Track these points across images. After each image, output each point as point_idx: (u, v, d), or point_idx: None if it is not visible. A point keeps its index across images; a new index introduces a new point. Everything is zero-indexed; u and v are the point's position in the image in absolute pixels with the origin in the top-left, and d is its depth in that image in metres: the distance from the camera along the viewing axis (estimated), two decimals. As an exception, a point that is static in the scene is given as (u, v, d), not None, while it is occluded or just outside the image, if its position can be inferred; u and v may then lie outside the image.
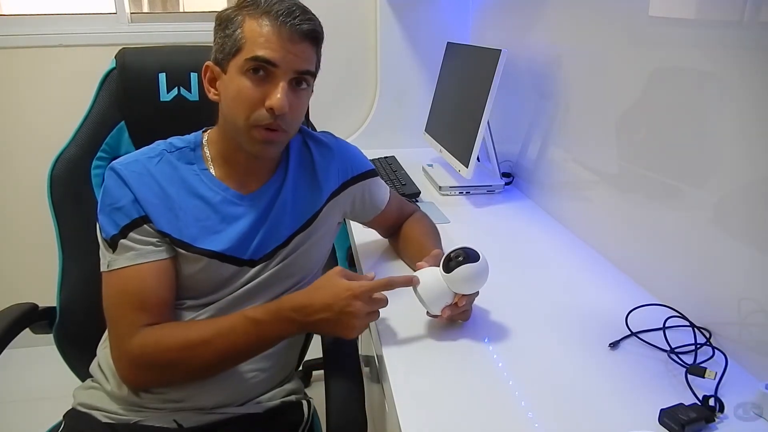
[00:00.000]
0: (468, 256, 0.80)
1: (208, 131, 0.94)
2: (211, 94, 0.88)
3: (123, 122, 1.11)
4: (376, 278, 0.81)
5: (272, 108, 0.80)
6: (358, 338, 1.01)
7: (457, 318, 0.86)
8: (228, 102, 0.84)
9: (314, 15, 0.84)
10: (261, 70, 0.80)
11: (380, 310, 0.81)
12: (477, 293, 0.85)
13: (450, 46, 1.74)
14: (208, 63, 0.87)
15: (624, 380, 0.75)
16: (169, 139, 0.92)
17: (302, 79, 0.84)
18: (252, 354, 0.85)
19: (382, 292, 0.80)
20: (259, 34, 0.80)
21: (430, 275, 0.82)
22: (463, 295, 0.82)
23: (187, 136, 0.93)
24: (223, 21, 0.84)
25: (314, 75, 0.87)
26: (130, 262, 0.83)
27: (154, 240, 0.84)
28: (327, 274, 0.81)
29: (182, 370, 0.82)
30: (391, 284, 0.80)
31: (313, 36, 0.83)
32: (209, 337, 0.81)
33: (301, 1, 0.84)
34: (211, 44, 0.87)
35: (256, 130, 0.83)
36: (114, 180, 0.85)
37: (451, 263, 0.80)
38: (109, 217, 0.84)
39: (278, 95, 0.80)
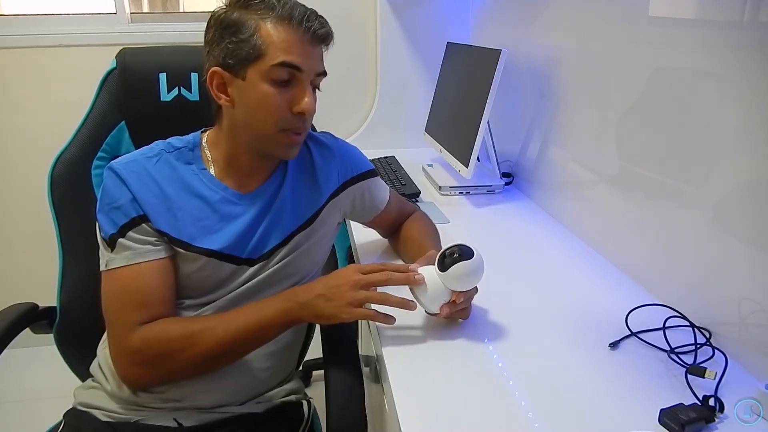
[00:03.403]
0: (463, 253, 0.80)
1: (207, 132, 0.94)
2: (223, 101, 0.84)
3: (123, 122, 1.11)
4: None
5: (303, 112, 0.82)
6: (358, 338, 1.01)
7: (456, 316, 0.86)
8: (249, 109, 0.83)
9: None
10: (288, 75, 0.81)
11: (379, 309, 0.81)
12: (476, 290, 0.85)
13: (450, 46, 1.74)
14: (216, 69, 0.82)
15: (624, 380, 0.75)
16: (168, 140, 0.92)
17: (318, 81, 0.86)
18: (254, 342, 0.84)
19: (387, 295, 0.81)
20: (282, 40, 0.80)
21: (426, 274, 0.82)
22: (461, 292, 0.82)
23: (185, 137, 0.93)
24: (231, 25, 0.81)
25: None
26: (128, 261, 0.83)
27: (153, 239, 0.84)
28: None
29: (184, 361, 0.81)
30: (385, 267, 0.83)
31: (328, 39, 0.85)
32: (212, 325, 0.82)
33: (302, 1, 0.85)
34: None
35: (284, 135, 0.84)
36: (112, 180, 0.85)
37: (446, 261, 0.80)
38: (107, 216, 0.84)
39: (306, 99, 0.82)
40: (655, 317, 0.87)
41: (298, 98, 0.82)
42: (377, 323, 0.84)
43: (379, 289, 0.82)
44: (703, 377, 0.73)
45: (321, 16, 0.84)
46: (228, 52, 0.81)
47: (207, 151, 0.92)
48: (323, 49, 0.86)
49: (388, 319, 0.81)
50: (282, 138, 0.85)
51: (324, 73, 0.87)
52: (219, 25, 0.82)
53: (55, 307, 1.10)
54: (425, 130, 1.82)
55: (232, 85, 0.83)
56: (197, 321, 0.85)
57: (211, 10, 0.85)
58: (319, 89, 0.87)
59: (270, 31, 0.80)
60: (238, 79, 0.82)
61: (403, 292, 0.83)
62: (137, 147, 1.02)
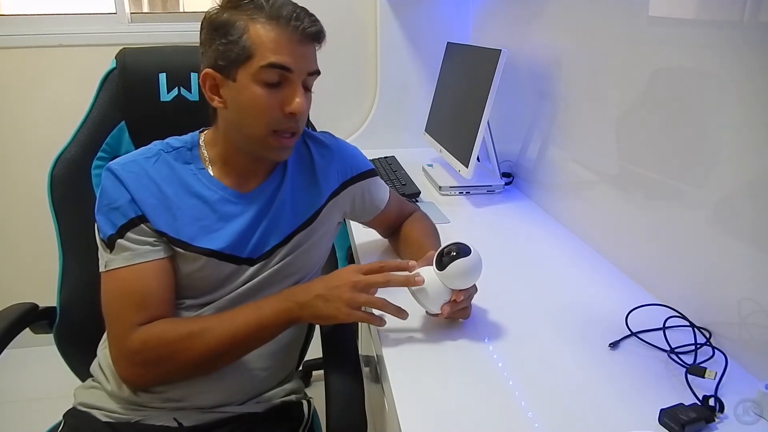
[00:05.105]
0: (460, 250, 0.80)
1: (205, 131, 0.94)
2: (215, 102, 0.85)
3: (123, 122, 1.11)
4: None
5: (294, 113, 0.81)
6: (358, 338, 1.01)
7: (457, 316, 0.86)
8: (240, 111, 0.83)
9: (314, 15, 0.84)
10: (277, 76, 0.80)
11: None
12: (476, 290, 0.85)
13: (450, 46, 1.74)
14: (208, 71, 0.83)
15: (624, 380, 0.75)
16: (166, 140, 0.92)
17: (310, 81, 0.85)
18: (253, 342, 0.84)
19: (386, 302, 0.81)
20: (271, 40, 0.79)
21: (425, 275, 0.82)
22: (461, 290, 0.82)
23: (183, 137, 0.93)
24: (221, 26, 0.80)
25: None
26: (127, 262, 0.83)
27: (152, 240, 0.84)
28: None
29: (184, 361, 0.81)
30: (384, 267, 0.82)
31: (320, 37, 0.84)
32: (211, 325, 0.82)
33: (303, 2, 0.84)
34: None
35: (274, 138, 0.83)
36: (111, 180, 0.85)
37: (443, 259, 0.80)
38: (106, 217, 0.84)
39: (297, 99, 0.81)
40: (655, 317, 0.87)
41: (289, 99, 0.81)
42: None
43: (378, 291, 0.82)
44: (703, 377, 0.73)
45: (311, 14, 0.83)
46: (219, 54, 0.81)
47: (205, 151, 0.92)
48: (316, 48, 0.85)
49: (381, 321, 0.82)
50: (273, 140, 0.84)
51: (317, 72, 0.86)
52: (210, 26, 0.82)
53: (55, 307, 1.10)
54: (425, 130, 1.82)
55: (224, 87, 0.83)
56: (197, 321, 0.85)
57: (211, 10, 0.85)
58: (310, 90, 0.86)
59: (259, 31, 0.79)
60: (229, 81, 0.82)
61: (402, 291, 0.83)
62: (137, 147, 1.02)
